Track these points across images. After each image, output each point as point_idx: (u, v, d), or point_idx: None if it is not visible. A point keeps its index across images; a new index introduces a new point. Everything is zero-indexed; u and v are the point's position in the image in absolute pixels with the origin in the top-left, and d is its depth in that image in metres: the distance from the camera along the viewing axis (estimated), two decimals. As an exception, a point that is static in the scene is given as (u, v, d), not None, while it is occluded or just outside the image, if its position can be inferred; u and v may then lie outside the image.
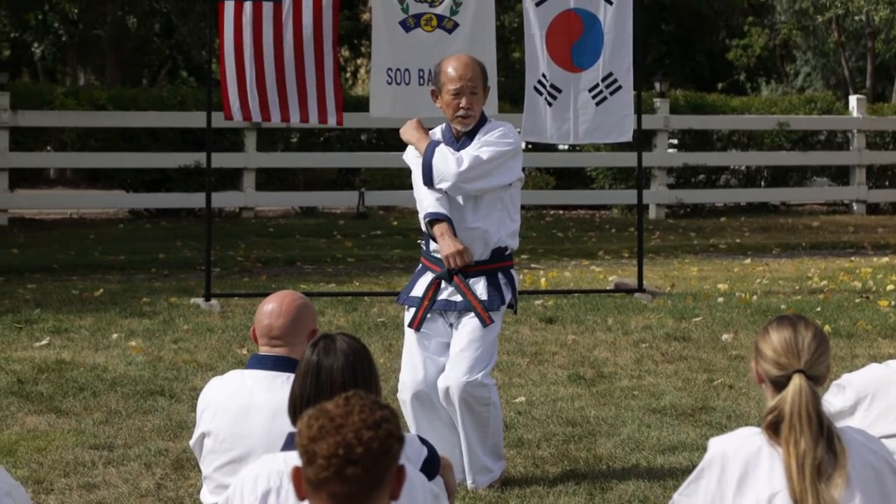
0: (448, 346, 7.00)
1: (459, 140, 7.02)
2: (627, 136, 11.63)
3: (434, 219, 6.91)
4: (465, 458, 6.95)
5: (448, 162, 6.89)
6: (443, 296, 7.00)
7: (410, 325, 6.99)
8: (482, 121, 7.06)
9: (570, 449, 7.59)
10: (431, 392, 6.92)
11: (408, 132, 7.15)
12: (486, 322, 6.88)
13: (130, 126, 19.55)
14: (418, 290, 7.06)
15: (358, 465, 3.12)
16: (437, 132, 7.12)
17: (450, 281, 6.96)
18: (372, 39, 11.52)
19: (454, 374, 6.85)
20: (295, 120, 11.34)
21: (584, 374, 9.35)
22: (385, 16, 11.27)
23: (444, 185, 6.91)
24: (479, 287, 6.96)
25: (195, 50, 29.56)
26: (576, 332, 10.86)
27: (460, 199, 6.99)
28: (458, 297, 6.97)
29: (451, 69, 6.98)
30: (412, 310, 7.03)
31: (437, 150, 6.94)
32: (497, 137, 6.97)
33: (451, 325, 7.01)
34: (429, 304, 6.98)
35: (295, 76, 11.16)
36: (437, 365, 6.95)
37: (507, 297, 7.03)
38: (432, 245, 7.04)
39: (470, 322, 6.91)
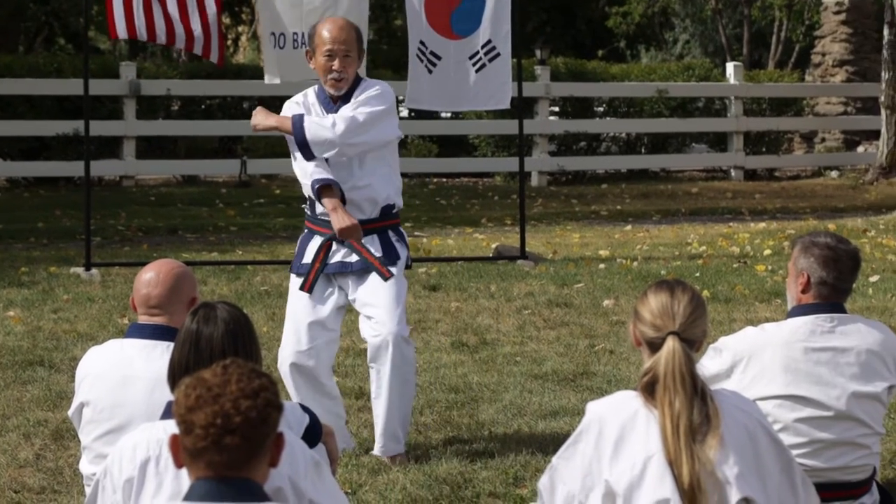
0: (338, 313, 6.97)
1: (336, 103, 6.98)
2: (505, 104, 11.69)
3: (323, 185, 6.84)
4: (380, 423, 6.84)
5: (322, 130, 6.84)
6: (336, 258, 6.94)
7: (302, 288, 6.92)
8: (356, 82, 7.04)
9: (452, 415, 7.63)
10: (313, 362, 6.87)
11: (264, 120, 7.02)
12: (385, 276, 6.85)
13: (6, 93, 19.21)
14: (309, 255, 7.00)
15: (236, 434, 3.12)
16: (309, 93, 7.07)
17: (342, 242, 6.92)
18: (256, 6, 11.42)
19: (388, 328, 6.74)
20: (180, 45, 11.20)
21: (466, 341, 9.40)
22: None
23: (327, 154, 6.88)
24: (374, 245, 6.94)
25: (72, 17, 29.10)
26: (459, 299, 10.90)
27: (345, 160, 6.95)
28: (353, 258, 6.92)
29: (325, 31, 6.95)
30: (301, 277, 6.97)
31: (305, 123, 6.87)
32: (371, 96, 6.96)
33: (341, 288, 6.95)
34: (320, 267, 6.93)
35: (177, 8, 11.03)
36: (321, 336, 6.88)
37: (403, 254, 7.02)
38: (319, 208, 6.99)
39: (376, 279, 6.87)
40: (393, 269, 6.91)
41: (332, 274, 6.96)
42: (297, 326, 6.91)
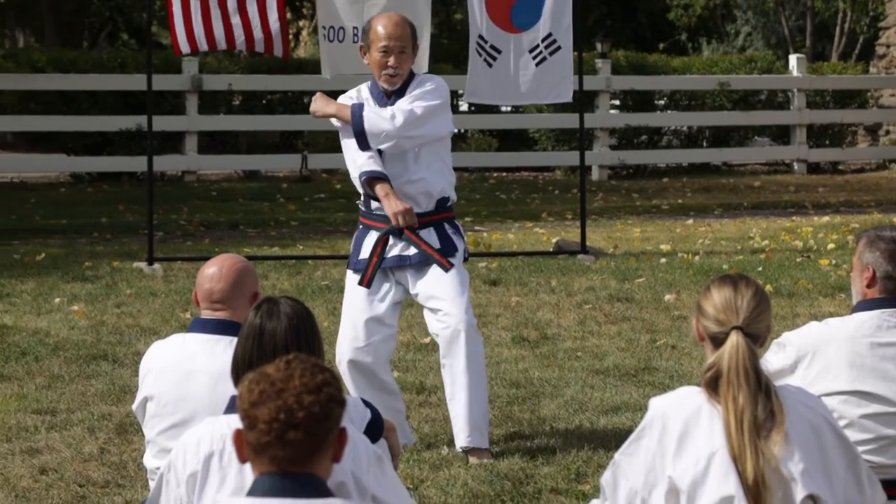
0: (395, 308, 6.97)
1: (390, 98, 6.99)
2: (567, 97, 11.64)
3: (372, 177, 6.86)
4: (462, 417, 6.76)
5: (381, 122, 6.85)
6: (393, 252, 6.94)
7: (360, 283, 6.93)
8: (410, 78, 7.04)
9: (513, 410, 7.62)
10: (371, 357, 6.86)
11: (324, 107, 7.05)
12: (446, 267, 6.85)
13: (71, 89, 19.37)
14: (365, 251, 7.00)
15: (299, 429, 3.12)
16: (363, 89, 7.08)
17: (400, 235, 6.92)
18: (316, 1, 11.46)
19: (458, 317, 6.72)
20: (241, 47, 11.32)
21: (527, 336, 9.39)
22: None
23: (383, 145, 6.89)
24: (431, 237, 6.95)
25: (135, 12, 29.31)
26: (519, 293, 10.89)
27: (400, 154, 6.96)
28: (412, 251, 6.92)
29: (380, 27, 6.95)
30: (358, 274, 6.98)
31: (364, 113, 6.88)
32: (427, 91, 6.96)
33: (398, 283, 6.96)
34: (378, 262, 6.93)
35: (237, 6, 11.11)
36: (379, 332, 6.88)
37: (460, 245, 7.01)
38: (373, 203, 7.00)
39: (437, 271, 6.86)
40: (453, 260, 6.90)
41: (391, 268, 6.96)
42: (355, 323, 6.91)
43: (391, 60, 6.91)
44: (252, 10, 11.15)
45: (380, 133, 6.85)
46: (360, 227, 7.13)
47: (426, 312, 6.95)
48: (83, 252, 13.02)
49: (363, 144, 6.88)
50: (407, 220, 6.79)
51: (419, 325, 9.42)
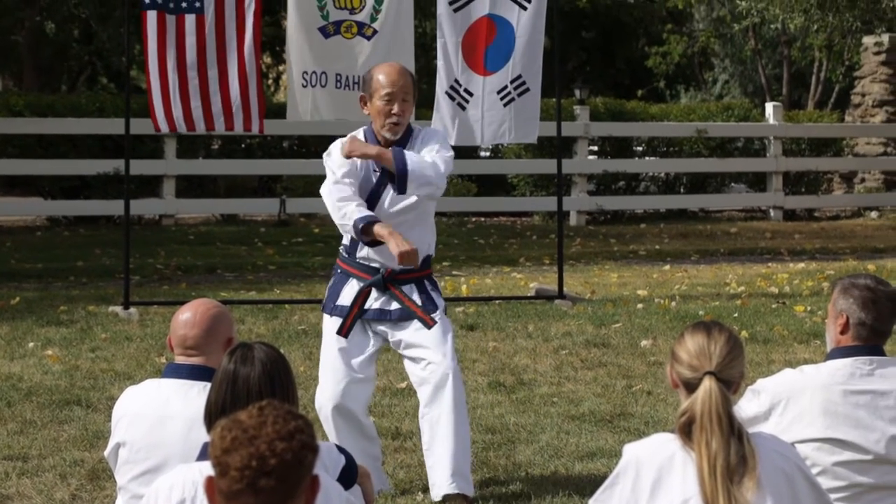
0: (372, 358, 6.94)
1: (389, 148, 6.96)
2: (532, 138, 11.77)
3: (369, 222, 6.78)
4: (447, 463, 6.71)
5: (425, 168, 6.78)
6: (375, 305, 6.91)
7: (339, 332, 6.91)
8: (408, 129, 7.02)
9: (489, 456, 7.61)
10: (352, 405, 6.85)
11: (360, 148, 6.85)
12: (429, 324, 6.84)
13: (48, 133, 19.37)
14: (345, 298, 6.95)
15: (271, 476, 3.11)
16: (359, 134, 7.05)
17: (384, 290, 6.90)
18: (287, 45, 11.51)
19: (444, 363, 6.71)
20: (220, 128, 11.34)
21: (504, 381, 9.38)
22: (302, 21, 11.27)
23: (421, 192, 6.84)
24: (413, 294, 6.93)
25: (114, 56, 29.32)
26: (496, 338, 10.89)
27: (397, 211, 6.90)
28: (393, 306, 6.90)
29: (382, 76, 6.94)
30: (336, 318, 6.95)
31: (408, 157, 6.83)
32: (442, 143, 6.98)
33: (375, 334, 6.94)
34: (358, 313, 6.91)
35: (219, 85, 11.16)
36: (359, 381, 6.85)
37: (440, 303, 7.00)
38: (360, 252, 6.96)
39: (419, 325, 6.84)
40: (436, 316, 6.88)
41: (368, 320, 6.94)
42: (335, 370, 6.88)
43: (395, 108, 6.88)
44: (234, 89, 11.18)
45: (423, 178, 6.79)
46: (339, 271, 7.07)
47: (407, 361, 6.92)
48: (58, 296, 12.98)
49: (402, 187, 6.83)
50: (410, 261, 6.72)
51: (395, 370, 9.40)
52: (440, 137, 7.04)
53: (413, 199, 6.87)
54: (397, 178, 6.81)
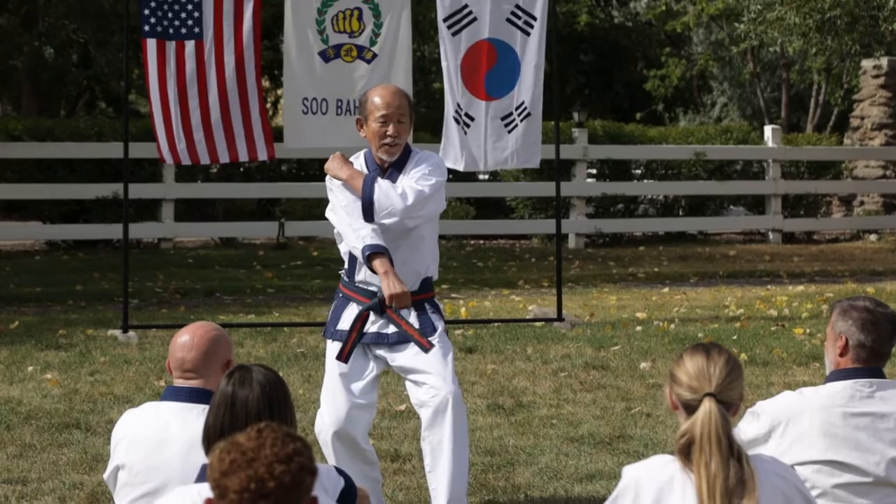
0: (374, 383, 6.92)
1: (386, 171, 6.95)
2: (535, 163, 11.81)
3: (374, 252, 6.78)
4: (445, 489, 6.68)
5: (391, 197, 6.78)
6: (373, 329, 6.89)
7: (339, 358, 6.88)
8: (406, 151, 7.01)
9: (488, 478, 7.60)
10: (353, 431, 6.82)
11: (337, 169, 6.94)
12: (426, 348, 6.81)
13: (47, 157, 19.39)
14: (344, 323, 6.94)
15: (270, 499, 3.11)
16: (360, 157, 7.05)
17: (382, 313, 6.88)
18: (284, 70, 11.51)
19: (444, 387, 6.65)
20: (224, 160, 11.28)
21: (503, 404, 9.37)
22: (301, 46, 11.28)
23: (388, 221, 6.80)
24: (411, 318, 6.90)
25: (113, 80, 29.36)
26: (495, 361, 10.88)
27: (396, 232, 6.90)
28: (390, 329, 6.88)
29: (377, 98, 6.94)
30: (336, 343, 6.94)
31: (377, 185, 6.81)
32: (431, 168, 6.93)
33: (376, 358, 6.91)
34: (357, 337, 6.89)
35: (220, 115, 11.12)
36: (360, 407, 6.83)
37: (439, 326, 6.96)
38: (359, 275, 6.95)
39: (417, 349, 6.81)
40: (433, 340, 6.84)
41: (368, 344, 6.93)
42: (335, 394, 6.85)
43: (390, 129, 6.87)
44: (235, 114, 11.15)
45: (388, 208, 6.77)
46: (340, 295, 7.06)
47: (409, 384, 6.90)
48: (57, 320, 12.97)
49: (368, 216, 6.82)
50: (401, 304, 6.73)
51: (394, 393, 9.40)
52: (431, 163, 6.95)
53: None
54: (363, 206, 6.82)
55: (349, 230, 6.82)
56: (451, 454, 6.70)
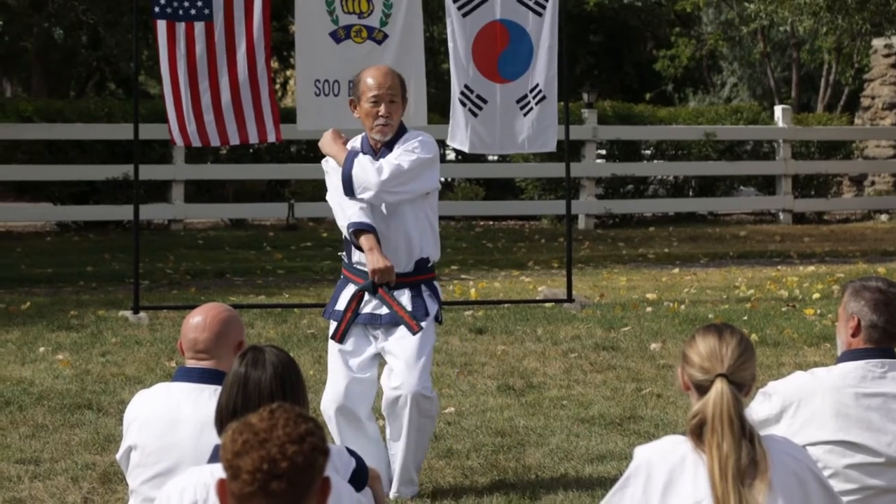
0: (373, 360, 6.98)
1: (378, 151, 6.99)
2: (551, 147, 11.72)
3: (359, 229, 6.88)
4: (397, 469, 6.92)
5: (368, 172, 6.86)
6: (367, 309, 6.96)
7: (333, 337, 6.98)
8: (401, 131, 7.04)
9: (499, 459, 7.61)
10: (354, 407, 6.89)
11: (327, 144, 7.10)
12: (413, 329, 6.85)
13: (57, 138, 19.41)
14: (341, 303, 7.02)
15: (283, 479, 3.11)
16: (357, 141, 7.09)
17: (374, 293, 6.93)
18: (296, 51, 11.50)
19: (408, 384, 6.77)
20: (234, 141, 11.30)
21: (513, 385, 9.38)
22: (311, 27, 11.26)
23: (365, 196, 6.89)
24: (404, 298, 6.94)
25: (123, 62, 29.34)
26: (505, 342, 10.89)
27: (384, 209, 6.96)
28: (384, 310, 6.93)
29: (369, 78, 6.97)
30: (334, 323, 7.01)
31: (356, 160, 6.90)
32: (415, 146, 6.95)
33: (374, 338, 6.97)
34: (351, 317, 6.94)
35: (231, 97, 11.12)
36: (359, 382, 6.90)
37: (433, 309, 7.00)
38: (354, 256, 7.01)
39: (404, 331, 6.88)
40: (423, 324, 6.89)
41: (364, 324, 6.98)
42: (337, 373, 6.95)
43: (381, 109, 6.91)
44: (245, 96, 11.14)
45: (364, 183, 6.85)
46: (342, 277, 7.16)
47: (385, 368, 7.00)
48: (69, 301, 12.99)
49: (348, 191, 6.90)
50: (384, 278, 6.79)
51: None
52: (419, 141, 6.99)
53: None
54: (343, 181, 6.87)
55: (338, 209, 6.94)
56: (405, 441, 6.87)
